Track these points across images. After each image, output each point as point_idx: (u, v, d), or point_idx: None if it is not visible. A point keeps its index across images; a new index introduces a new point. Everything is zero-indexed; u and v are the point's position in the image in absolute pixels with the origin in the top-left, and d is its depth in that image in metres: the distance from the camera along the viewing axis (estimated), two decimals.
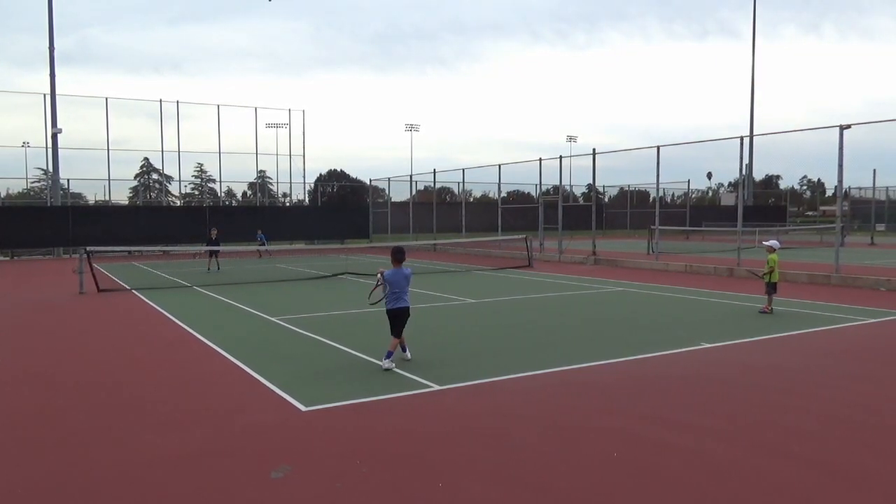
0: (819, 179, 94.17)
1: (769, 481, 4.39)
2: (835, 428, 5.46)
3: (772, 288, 11.67)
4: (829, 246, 24.91)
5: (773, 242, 12.09)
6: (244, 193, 64.61)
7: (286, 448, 5.05)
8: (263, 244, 28.20)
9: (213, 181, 56.48)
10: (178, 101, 37.97)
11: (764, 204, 60.60)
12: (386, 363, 7.47)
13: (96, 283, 15.79)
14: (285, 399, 6.33)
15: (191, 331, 10.14)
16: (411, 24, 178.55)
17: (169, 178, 53.32)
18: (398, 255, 8.09)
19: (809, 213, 74.77)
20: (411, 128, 76.91)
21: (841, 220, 19.69)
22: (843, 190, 20.68)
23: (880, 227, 40.07)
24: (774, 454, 4.86)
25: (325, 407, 6.06)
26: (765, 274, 11.74)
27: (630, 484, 4.36)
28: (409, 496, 4.19)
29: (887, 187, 45.10)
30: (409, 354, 7.89)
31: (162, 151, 37.92)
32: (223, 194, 49.66)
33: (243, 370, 7.53)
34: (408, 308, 7.93)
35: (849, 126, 16.51)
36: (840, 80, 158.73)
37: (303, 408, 6.04)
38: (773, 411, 5.91)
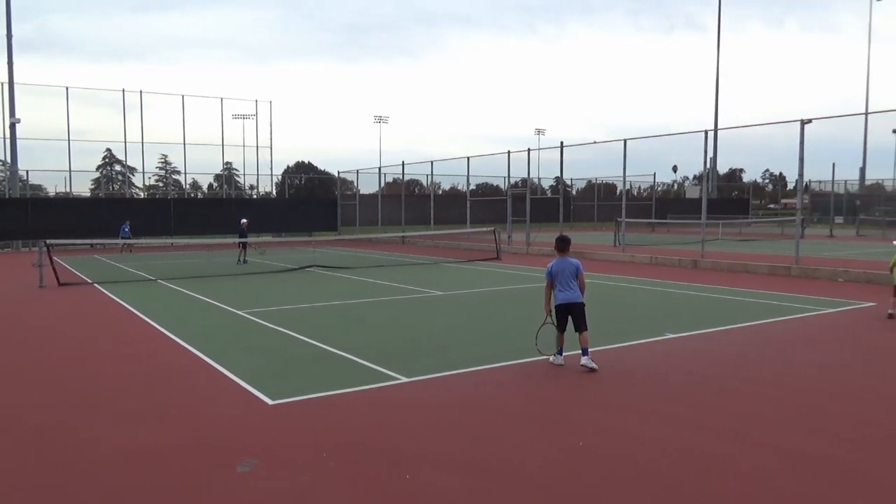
0: (781, 173, 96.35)
1: (733, 468, 4.49)
2: (794, 414, 5.61)
3: None
4: (789, 238, 25.53)
5: None
6: (210, 185, 63.59)
7: (252, 442, 5.00)
8: (128, 238, 26.14)
9: (178, 173, 55.38)
10: (141, 91, 37.14)
11: (728, 197, 61.69)
12: (558, 359, 7.18)
13: (56, 277, 15.40)
14: (252, 393, 6.26)
15: (155, 325, 9.96)
16: (380, 15, 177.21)
17: (132, 170, 52.20)
18: (561, 244, 7.35)
19: (771, 205, 76.49)
20: (380, 120, 76.58)
21: (801, 212, 20.19)
22: (804, 183, 21.21)
23: (839, 219, 41.16)
24: (737, 440, 4.98)
25: (291, 400, 6.02)
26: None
27: (597, 473, 4.43)
28: (376, 488, 4.19)
29: (845, 181, 46.36)
30: (581, 361, 7.03)
31: (125, 142, 37.09)
32: (188, 186, 48.77)
33: (209, 364, 7.43)
34: (576, 303, 7.08)
35: (809, 121, 16.89)
36: (803, 75, 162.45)
37: (269, 401, 5.99)
38: (736, 399, 6.05)
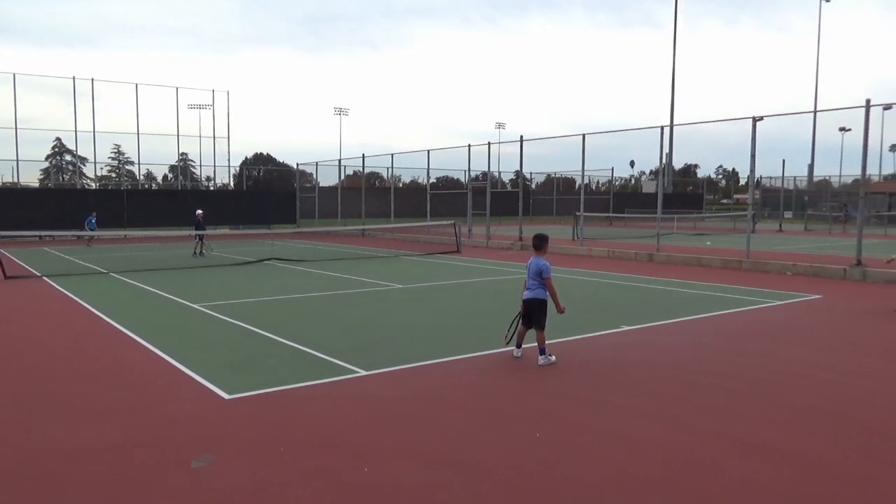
0: (734, 169, 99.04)
1: (686, 456, 4.63)
2: (744, 403, 5.80)
3: None
4: (741, 232, 26.24)
5: None
6: (165, 177, 62.13)
7: (208, 437, 4.94)
8: (92, 230, 25.55)
9: (132, 163, 54.00)
10: (92, 79, 36.08)
11: (683, 192, 63.10)
12: (518, 352, 7.31)
13: (3, 270, 14.85)
14: (207, 387, 6.17)
15: (107, 319, 9.71)
16: (341, 5, 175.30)
17: (83, 160, 50.60)
18: (534, 242, 7.52)
19: (724, 200, 78.46)
20: (340, 111, 75.87)
21: (752, 207, 20.79)
22: (755, 179, 21.82)
23: (788, 214, 42.50)
24: (690, 429, 5.12)
25: (248, 394, 5.95)
26: None
27: (553, 463, 4.50)
28: (335, 482, 4.19)
29: (794, 177, 47.87)
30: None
31: (76, 131, 36.02)
32: (142, 177, 47.58)
33: (163, 359, 7.29)
34: (535, 300, 7.16)
35: (761, 118, 17.38)
36: (757, 73, 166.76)
37: (226, 396, 5.91)
38: (688, 389, 6.22)
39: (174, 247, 24.58)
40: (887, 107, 18.09)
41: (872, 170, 66.17)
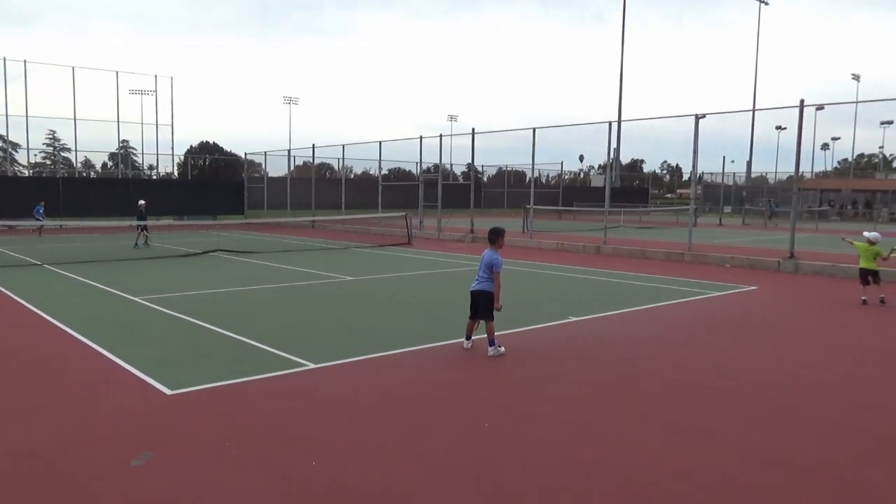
0: (677, 164, 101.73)
1: (629, 444, 4.74)
2: (680, 390, 5.98)
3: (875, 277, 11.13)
4: (683, 226, 26.98)
5: (874, 235, 11.33)
6: (105, 165, 59.87)
7: (149, 434, 4.80)
8: (40, 220, 24.65)
9: (68, 150, 51.94)
10: (25, 61, 34.44)
11: (629, 186, 64.47)
12: (468, 344, 7.37)
13: None
14: (149, 383, 5.99)
15: (40, 313, 9.31)
16: None
17: (15, 146, 48.36)
18: (489, 235, 7.49)
19: (668, 195, 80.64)
20: (290, 100, 74.51)
21: (695, 202, 21.41)
22: (698, 174, 22.45)
23: (727, 209, 43.99)
24: (634, 418, 5.25)
25: (193, 389, 5.80)
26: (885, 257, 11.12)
27: (502, 452, 4.55)
28: (282, 476, 4.13)
29: (734, 173, 49.64)
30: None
31: (6, 115, 34.31)
32: (80, 165, 45.78)
33: (101, 354, 7.03)
34: (481, 292, 7.17)
35: (703, 115, 17.90)
36: (700, 71, 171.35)
37: (168, 391, 5.75)
38: (633, 378, 6.38)
39: (114, 238, 23.76)
40: (819, 107, 18.89)
41: (805, 167, 69.02)
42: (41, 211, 24.80)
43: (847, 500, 3.93)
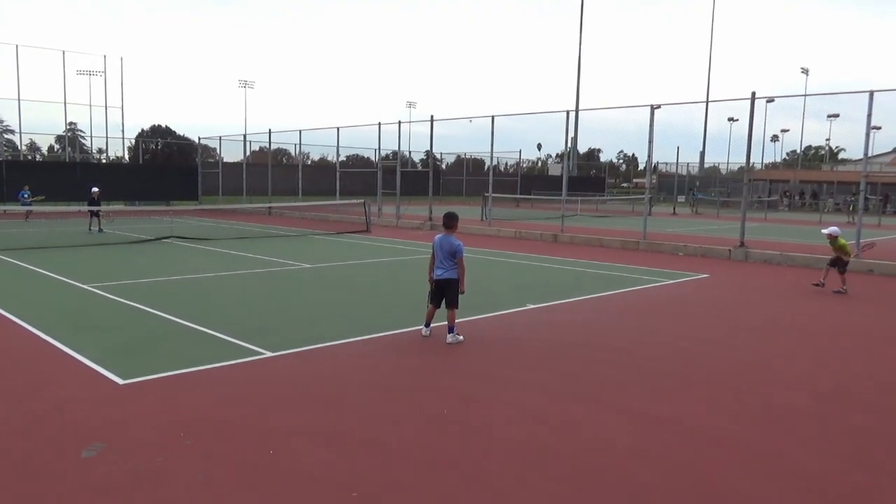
0: (633, 154, 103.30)
1: (585, 431, 4.84)
2: (635, 376, 6.13)
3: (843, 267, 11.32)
4: (639, 215, 27.49)
5: (833, 229, 11.46)
6: (51, 147, 57.74)
7: (100, 425, 4.69)
8: (29, 204, 23.69)
9: (12, 132, 49.91)
10: None
11: (586, 175, 65.27)
12: (426, 331, 7.36)
13: None
14: (100, 373, 5.85)
15: None
16: None
17: None
18: (445, 221, 7.50)
19: (624, 184, 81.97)
20: (245, 84, 73.02)
21: (650, 191, 21.84)
22: (653, 164, 22.90)
23: (681, 198, 44.98)
24: (590, 404, 5.37)
25: (145, 379, 5.69)
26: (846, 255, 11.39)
27: (459, 439, 4.60)
28: (238, 465, 4.10)
29: (688, 163, 50.75)
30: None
31: None
32: (24, 147, 44.03)
33: (50, 344, 6.83)
34: (450, 280, 7.19)
35: (659, 106, 18.22)
36: (656, 62, 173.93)
37: (120, 381, 5.63)
38: (589, 364, 6.50)
39: (63, 223, 22.99)
40: (770, 100, 19.40)
41: (756, 158, 71.00)
42: (26, 195, 23.87)
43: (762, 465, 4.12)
